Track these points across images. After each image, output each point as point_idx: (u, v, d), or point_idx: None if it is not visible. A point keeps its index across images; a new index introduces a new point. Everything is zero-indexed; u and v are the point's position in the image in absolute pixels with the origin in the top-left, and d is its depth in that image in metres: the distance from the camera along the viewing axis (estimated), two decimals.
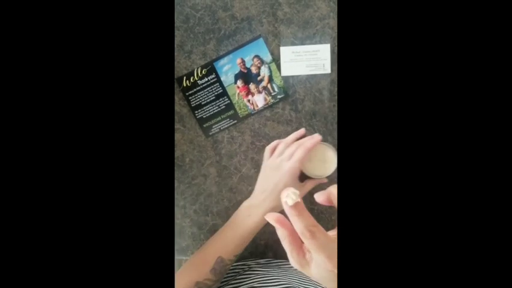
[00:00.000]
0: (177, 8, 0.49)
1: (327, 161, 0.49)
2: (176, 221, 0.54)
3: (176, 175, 0.53)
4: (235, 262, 0.51)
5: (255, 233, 0.46)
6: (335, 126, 0.52)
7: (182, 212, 0.53)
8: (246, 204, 0.47)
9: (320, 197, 0.29)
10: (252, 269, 0.50)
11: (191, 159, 0.53)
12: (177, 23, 0.50)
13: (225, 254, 0.44)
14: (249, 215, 0.45)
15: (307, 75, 0.51)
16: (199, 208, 0.54)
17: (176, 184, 0.53)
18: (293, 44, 0.50)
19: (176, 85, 0.51)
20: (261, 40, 0.50)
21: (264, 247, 0.54)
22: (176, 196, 0.53)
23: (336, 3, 0.49)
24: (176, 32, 0.50)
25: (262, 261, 0.53)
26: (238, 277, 0.47)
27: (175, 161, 0.53)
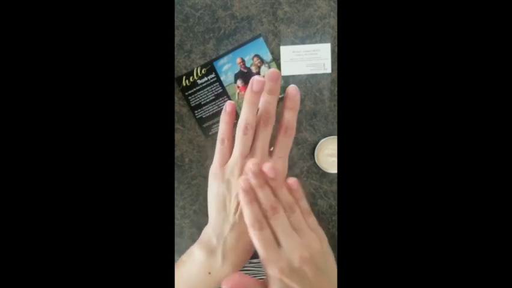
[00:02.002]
0: (177, 7, 0.49)
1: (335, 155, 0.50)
2: (176, 222, 0.53)
3: (175, 175, 0.52)
4: None
5: None
6: (335, 126, 0.52)
7: (182, 212, 0.53)
8: (198, 252, 0.33)
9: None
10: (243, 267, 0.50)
11: (190, 159, 0.52)
12: (177, 22, 0.49)
13: None
14: (208, 273, 0.32)
15: (308, 74, 0.51)
16: (199, 209, 0.54)
17: (175, 184, 0.53)
18: (293, 43, 0.50)
19: (175, 85, 0.51)
20: (261, 39, 0.50)
21: None
22: (175, 196, 0.53)
23: (337, 2, 0.49)
24: (175, 31, 0.49)
25: (255, 260, 0.53)
26: None
27: (175, 161, 0.53)
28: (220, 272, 0.32)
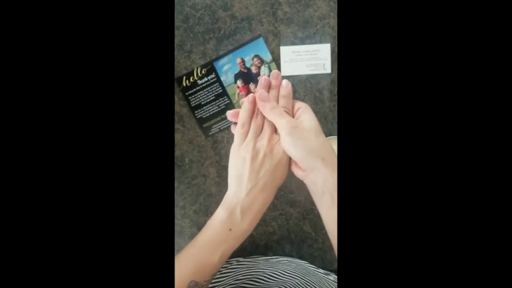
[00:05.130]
0: (177, 8, 0.49)
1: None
2: (176, 221, 0.53)
3: (175, 175, 0.52)
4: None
5: (236, 246, 0.38)
6: (335, 126, 0.52)
7: (182, 212, 0.53)
8: (221, 212, 0.38)
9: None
10: (239, 262, 0.50)
11: (191, 159, 0.53)
12: (177, 22, 0.49)
13: (199, 277, 0.37)
14: (229, 230, 0.37)
15: (308, 75, 0.51)
16: (199, 208, 0.54)
17: (175, 184, 0.53)
18: (293, 43, 0.50)
19: (175, 85, 0.51)
20: (261, 40, 0.50)
21: (264, 248, 0.54)
22: (175, 196, 0.53)
23: (336, 2, 0.49)
24: (176, 32, 0.50)
25: (252, 256, 0.53)
26: (224, 271, 0.48)
27: (175, 161, 0.53)
28: (239, 228, 0.37)
